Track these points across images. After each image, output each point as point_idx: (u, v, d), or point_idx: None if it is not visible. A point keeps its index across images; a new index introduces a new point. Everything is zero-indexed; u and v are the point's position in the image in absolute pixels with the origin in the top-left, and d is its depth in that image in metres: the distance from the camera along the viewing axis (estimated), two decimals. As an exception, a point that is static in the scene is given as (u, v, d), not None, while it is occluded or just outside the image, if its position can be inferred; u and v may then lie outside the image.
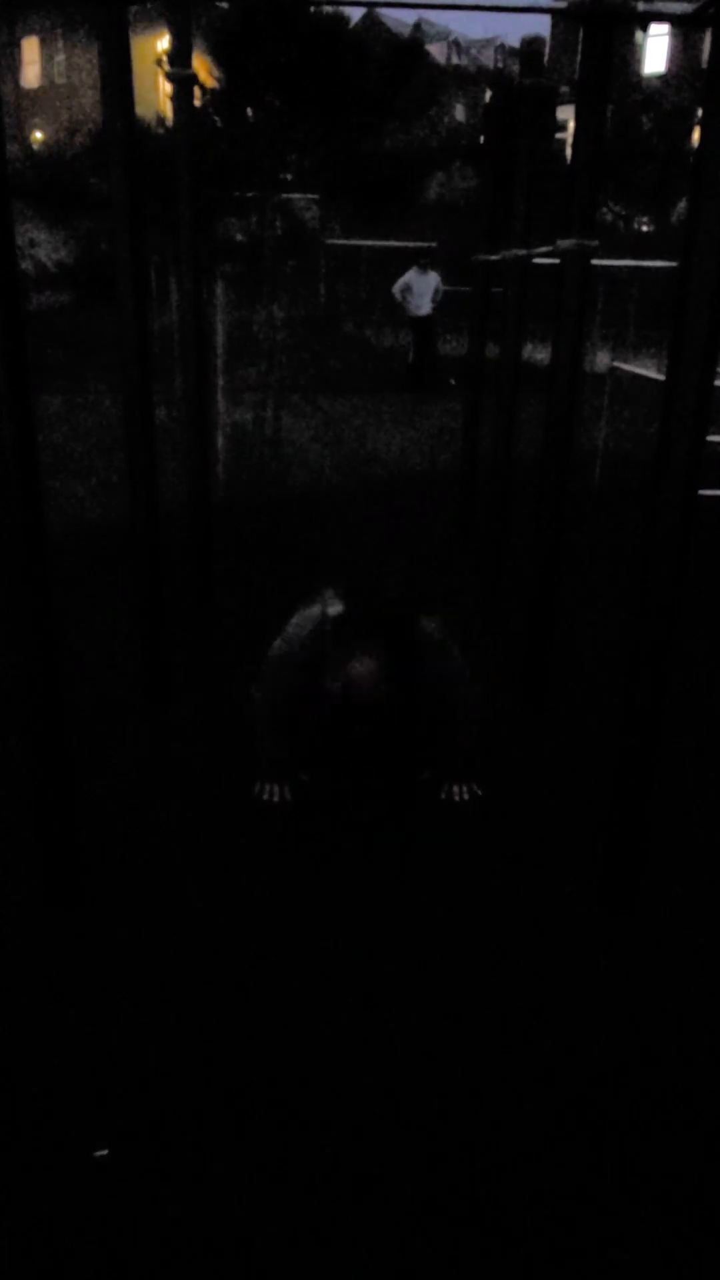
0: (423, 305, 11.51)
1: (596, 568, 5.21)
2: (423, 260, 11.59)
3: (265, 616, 3.02)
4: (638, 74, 28.74)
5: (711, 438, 2.46)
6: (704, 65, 2.73)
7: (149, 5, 3.32)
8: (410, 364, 11.89)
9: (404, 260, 12.35)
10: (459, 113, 32.03)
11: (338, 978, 2.30)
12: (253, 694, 2.91)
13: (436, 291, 11.52)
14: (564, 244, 3.08)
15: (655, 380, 6.18)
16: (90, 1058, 2.05)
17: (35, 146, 26.71)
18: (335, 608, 2.76)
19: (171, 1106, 1.94)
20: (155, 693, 3.60)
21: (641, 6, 2.85)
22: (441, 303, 11.66)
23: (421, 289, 11.46)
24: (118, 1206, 1.74)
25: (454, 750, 3.00)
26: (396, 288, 11.63)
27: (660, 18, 3.08)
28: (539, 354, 9.44)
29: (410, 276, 11.50)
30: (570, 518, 3.54)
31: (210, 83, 18.19)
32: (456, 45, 42.01)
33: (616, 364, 8.11)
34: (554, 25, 28.70)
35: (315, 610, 2.81)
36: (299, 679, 2.83)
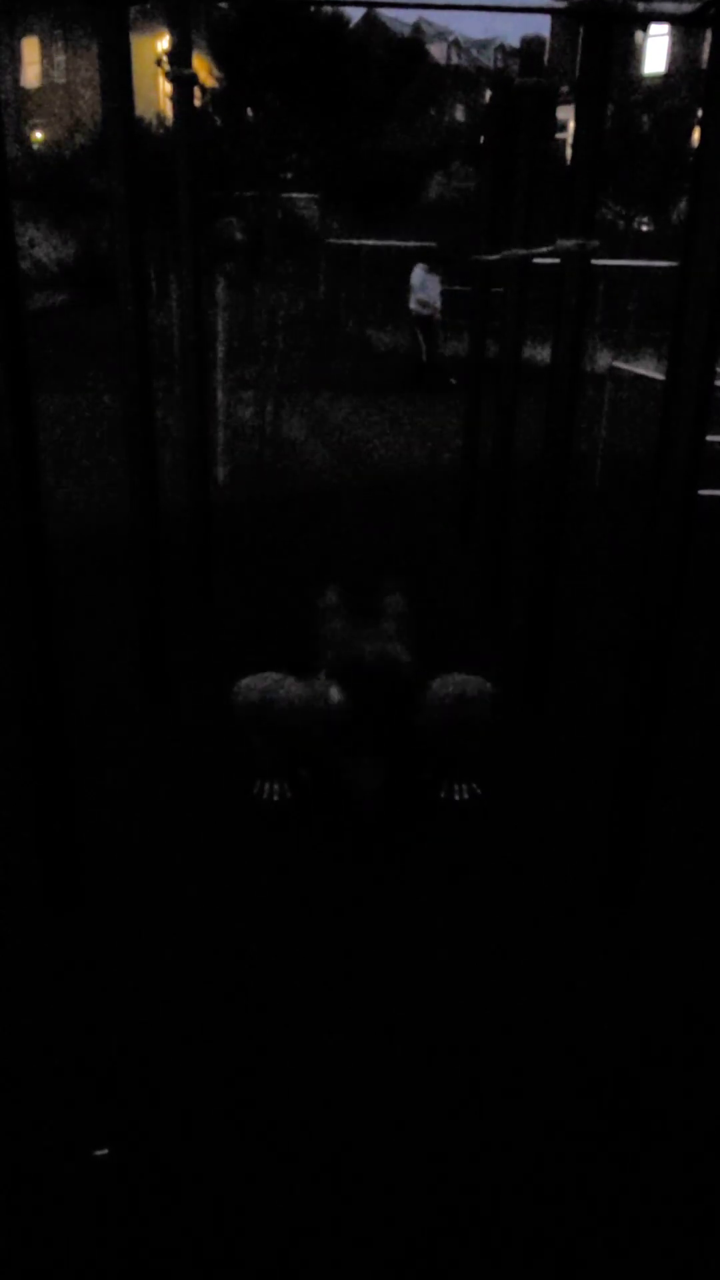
0: (431, 304, 11.55)
1: (596, 568, 5.20)
2: (433, 259, 11.61)
3: (265, 616, 3.02)
4: (638, 74, 28.72)
5: (711, 438, 2.46)
6: (704, 65, 2.72)
7: (149, 5, 3.32)
8: (424, 363, 11.85)
9: (404, 260, 12.34)
10: (459, 113, 32.02)
11: (338, 977, 2.30)
12: (234, 699, 2.90)
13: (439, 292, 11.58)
14: (564, 244, 3.08)
15: (655, 380, 6.18)
16: (90, 1058, 2.05)
17: (35, 146, 26.70)
18: (336, 696, 2.75)
19: (171, 1106, 1.94)
20: (155, 692, 3.60)
21: (641, 7, 2.85)
22: (444, 303, 11.68)
23: (431, 288, 11.51)
24: (118, 1206, 1.74)
25: (460, 753, 3.00)
26: (423, 289, 11.57)
27: (660, 18, 3.08)
28: (539, 354, 9.44)
29: (420, 276, 11.52)
30: (570, 518, 3.54)
31: (210, 83, 18.18)
32: (456, 45, 42.00)
33: (616, 364, 8.11)
34: (554, 25, 28.70)
35: (319, 691, 2.81)
36: (292, 734, 2.87)
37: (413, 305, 11.65)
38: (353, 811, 2.97)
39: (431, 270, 11.50)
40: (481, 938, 2.45)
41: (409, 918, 2.52)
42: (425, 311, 11.59)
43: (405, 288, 11.66)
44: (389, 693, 2.75)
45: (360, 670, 2.78)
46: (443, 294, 11.61)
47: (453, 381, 11.09)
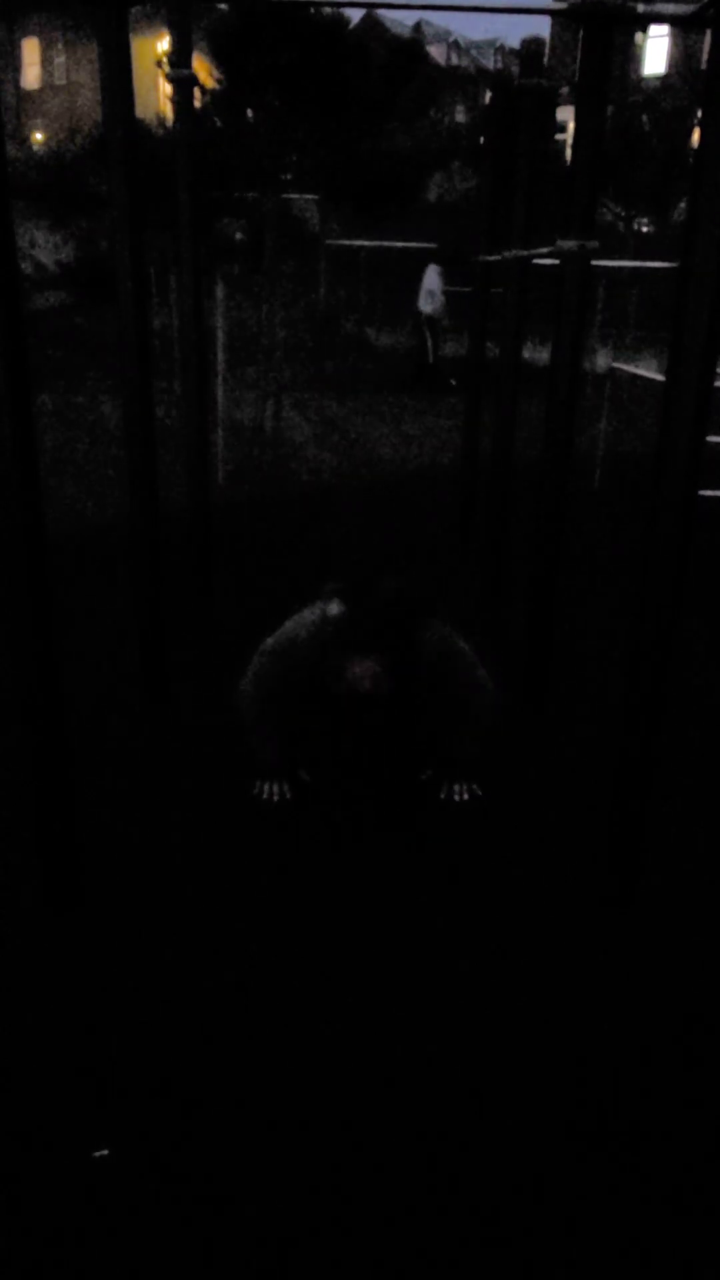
0: (434, 302, 11.59)
1: (596, 568, 5.21)
2: (444, 259, 11.66)
3: (265, 616, 3.02)
4: (638, 74, 28.74)
5: (711, 438, 2.46)
6: (704, 66, 2.73)
7: (149, 5, 3.32)
8: (429, 363, 11.85)
9: (405, 260, 12.35)
10: (459, 113, 32.04)
11: (338, 978, 2.30)
12: (240, 690, 2.88)
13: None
14: (564, 244, 3.08)
15: (655, 380, 6.18)
16: (90, 1058, 2.05)
17: (35, 147, 26.70)
18: (336, 609, 2.74)
19: (171, 1107, 1.94)
20: (155, 692, 3.60)
21: (641, 8, 2.85)
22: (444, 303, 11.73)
23: (432, 287, 11.54)
24: (118, 1206, 1.74)
25: (460, 753, 2.99)
26: (437, 290, 11.61)
27: (660, 19, 3.08)
28: (539, 354, 9.44)
29: (433, 277, 11.55)
30: (570, 518, 3.54)
31: (210, 83, 18.16)
32: (456, 46, 42.03)
33: (616, 364, 8.12)
34: (554, 26, 28.70)
35: (315, 611, 2.79)
36: (295, 677, 2.81)
37: (421, 305, 11.66)
38: (353, 812, 2.98)
39: (443, 271, 11.55)
40: (481, 938, 2.45)
41: (409, 918, 2.52)
42: (429, 309, 11.60)
43: (416, 287, 11.67)
44: (389, 594, 2.72)
45: (361, 581, 2.76)
46: (444, 293, 11.63)
47: (452, 382, 11.10)
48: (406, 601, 2.76)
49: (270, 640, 2.85)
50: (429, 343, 11.76)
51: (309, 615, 2.80)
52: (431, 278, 11.56)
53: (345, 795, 3.05)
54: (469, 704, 2.87)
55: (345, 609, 2.69)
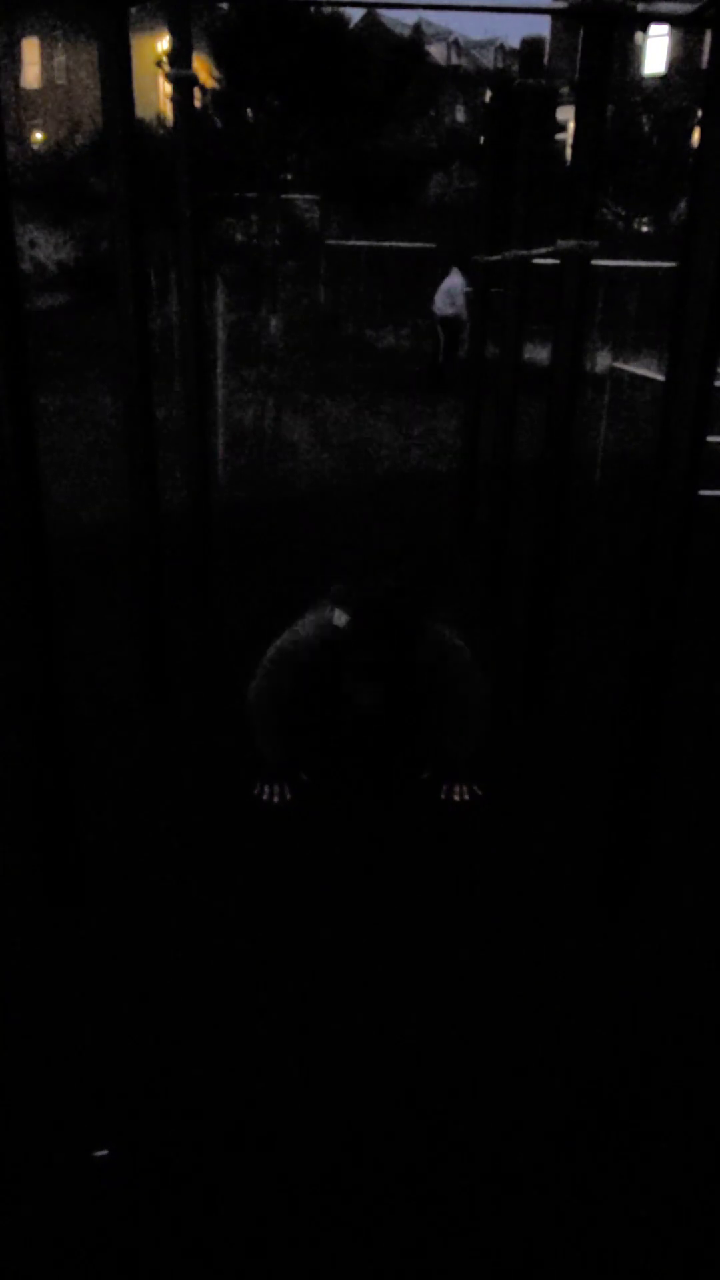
0: (456, 304, 11.57)
1: (596, 568, 5.20)
2: (460, 263, 11.67)
3: (265, 617, 3.03)
4: (638, 74, 28.74)
5: (711, 438, 2.46)
6: (704, 66, 2.72)
7: (149, 5, 3.32)
8: (440, 363, 11.83)
9: (405, 260, 12.32)
10: (459, 113, 32.03)
11: (338, 978, 2.30)
12: (248, 694, 2.91)
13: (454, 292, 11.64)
14: (564, 244, 3.08)
15: (655, 380, 6.18)
16: (90, 1058, 2.05)
17: (35, 146, 26.71)
18: (340, 619, 2.76)
19: (171, 1107, 1.95)
20: (155, 693, 3.60)
21: (641, 7, 2.85)
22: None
23: (455, 288, 11.53)
24: (118, 1206, 1.74)
25: (457, 752, 3.00)
26: (453, 291, 11.63)
27: (660, 18, 3.08)
28: (539, 354, 9.44)
29: (457, 279, 11.54)
30: (570, 518, 3.54)
31: (210, 83, 18.15)
32: (456, 46, 42.04)
33: (616, 364, 8.12)
34: (554, 26, 28.70)
35: (321, 615, 2.81)
36: (300, 683, 2.84)
37: (439, 307, 11.60)
38: (353, 812, 2.98)
39: (456, 271, 11.53)
40: (480, 938, 2.45)
41: (408, 918, 2.52)
42: (450, 311, 11.57)
43: (423, 289, 11.63)
44: (389, 619, 2.74)
45: (365, 597, 2.78)
46: (465, 293, 11.60)
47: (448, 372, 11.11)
48: (407, 610, 2.79)
49: (276, 646, 2.87)
50: (441, 343, 11.74)
51: (313, 620, 2.82)
52: (454, 279, 11.51)
53: (345, 796, 3.05)
54: (467, 701, 2.88)
55: (349, 623, 2.72)
